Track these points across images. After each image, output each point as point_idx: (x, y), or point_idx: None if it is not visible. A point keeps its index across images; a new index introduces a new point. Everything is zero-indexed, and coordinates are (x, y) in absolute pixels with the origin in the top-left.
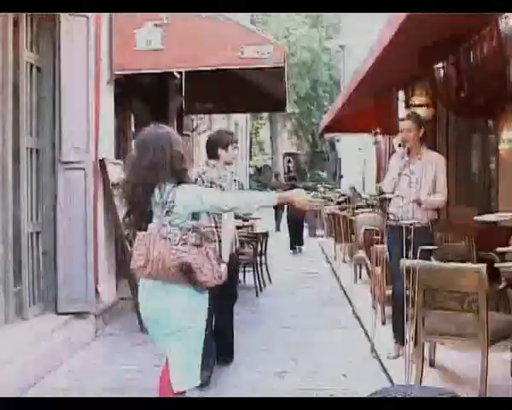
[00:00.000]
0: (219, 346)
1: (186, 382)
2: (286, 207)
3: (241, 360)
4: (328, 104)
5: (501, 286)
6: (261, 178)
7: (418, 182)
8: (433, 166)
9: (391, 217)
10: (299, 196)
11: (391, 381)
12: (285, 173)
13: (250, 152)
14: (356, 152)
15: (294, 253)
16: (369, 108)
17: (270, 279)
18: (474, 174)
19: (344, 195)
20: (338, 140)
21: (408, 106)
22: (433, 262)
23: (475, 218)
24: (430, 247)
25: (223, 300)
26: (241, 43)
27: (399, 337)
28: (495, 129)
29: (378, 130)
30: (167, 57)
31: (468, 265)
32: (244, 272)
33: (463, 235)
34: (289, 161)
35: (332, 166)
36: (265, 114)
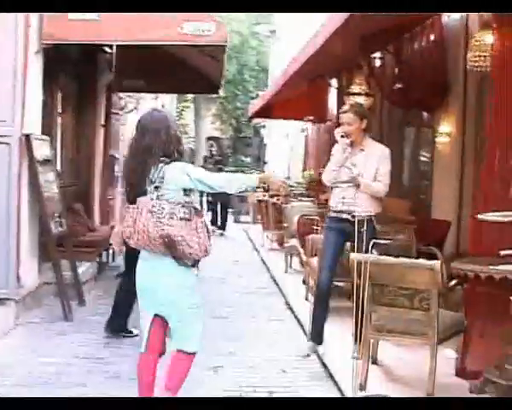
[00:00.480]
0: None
1: (195, 346)
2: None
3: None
4: (255, 89)
5: (452, 283)
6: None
7: (360, 175)
8: (376, 158)
9: (331, 209)
10: (275, 178)
11: (331, 376)
12: (208, 157)
13: None
14: (282, 139)
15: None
16: (302, 96)
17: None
18: (407, 167)
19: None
20: (264, 126)
21: (347, 94)
22: (385, 257)
23: (479, 216)
24: (382, 241)
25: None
26: (182, 18)
27: (317, 336)
28: (431, 122)
29: (310, 117)
30: (102, 29)
31: (422, 261)
32: None
33: (403, 228)
34: (212, 145)
35: (255, 151)
36: (190, 97)
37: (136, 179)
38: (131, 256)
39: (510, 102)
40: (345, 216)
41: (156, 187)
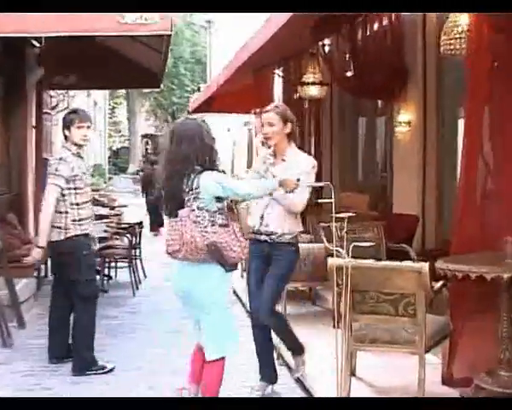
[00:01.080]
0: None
1: (217, 351)
2: (145, 191)
3: (123, 373)
4: (191, 83)
5: (438, 285)
6: (118, 162)
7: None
8: (297, 170)
9: (250, 229)
10: (291, 180)
11: (306, 390)
12: (143, 156)
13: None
14: (224, 133)
15: (156, 235)
16: (246, 88)
17: (144, 274)
18: (362, 160)
19: None
20: (203, 121)
21: (300, 84)
22: (368, 261)
23: None
24: (362, 243)
25: (82, 298)
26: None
27: (267, 374)
28: (389, 111)
29: (257, 110)
30: (29, 21)
31: (408, 263)
32: (116, 268)
33: (370, 225)
34: (147, 143)
35: None
36: (122, 92)
37: (174, 190)
38: (60, 275)
39: (485, 87)
40: (263, 238)
41: (195, 197)
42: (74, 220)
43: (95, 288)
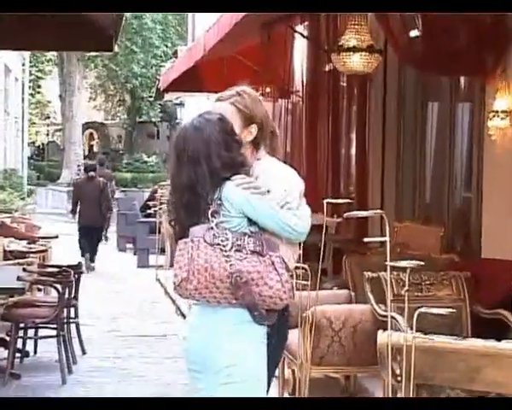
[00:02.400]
0: None
1: None
2: (78, 210)
3: None
4: (161, 43)
5: None
6: (44, 165)
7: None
8: (265, 182)
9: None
10: None
11: None
12: (85, 157)
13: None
14: None
15: (86, 266)
16: (250, 54)
17: (83, 348)
18: (433, 169)
19: None
20: (182, 104)
21: (336, 49)
22: (446, 338)
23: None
24: (435, 310)
25: None
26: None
27: None
28: (477, 95)
29: (266, 89)
30: None
31: None
32: (36, 338)
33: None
34: (92, 136)
35: (165, 146)
36: (52, 55)
37: (188, 204)
38: None
39: None
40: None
41: (215, 211)
42: None
43: None
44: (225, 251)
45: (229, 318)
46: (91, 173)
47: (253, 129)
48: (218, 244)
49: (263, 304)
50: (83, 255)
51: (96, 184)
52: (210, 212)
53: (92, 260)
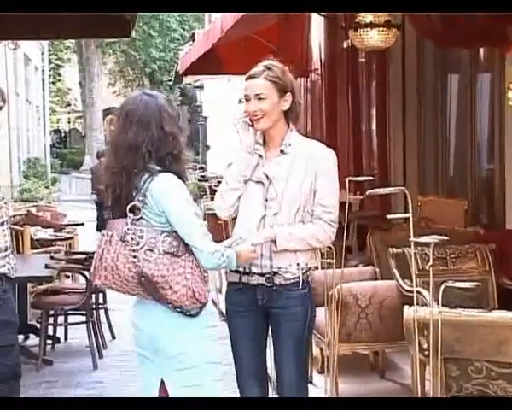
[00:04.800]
0: None
1: None
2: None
3: None
4: (179, 26)
5: None
6: (67, 153)
7: (278, 195)
8: (308, 166)
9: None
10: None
11: None
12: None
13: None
14: (233, 107)
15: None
16: (267, 34)
17: (112, 333)
18: (455, 143)
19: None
20: (201, 87)
21: (354, 26)
22: (472, 311)
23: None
24: (461, 284)
25: None
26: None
27: None
28: (498, 65)
29: (286, 68)
30: None
31: None
32: (66, 325)
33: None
34: (113, 122)
35: (186, 130)
36: (70, 43)
37: (120, 191)
38: None
39: None
40: (256, 280)
41: (135, 207)
42: None
43: (13, 361)
44: (133, 250)
45: (165, 309)
46: (101, 158)
47: (288, 97)
48: (128, 242)
49: (170, 306)
50: (99, 230)
51: None
52: (129, 207)
53: None
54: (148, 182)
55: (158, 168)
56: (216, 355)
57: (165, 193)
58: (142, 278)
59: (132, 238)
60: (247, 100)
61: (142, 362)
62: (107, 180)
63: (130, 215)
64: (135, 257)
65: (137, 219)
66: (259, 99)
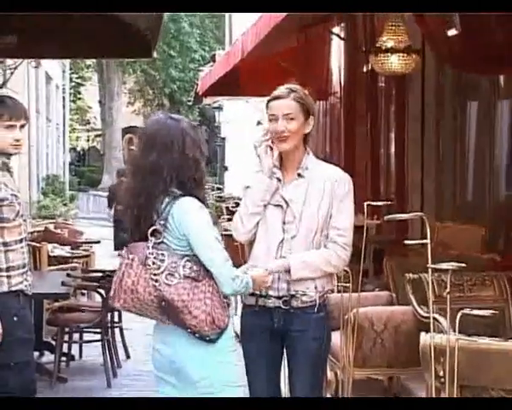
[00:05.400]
0: None
1: None
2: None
3: None
4: (201, 48)
5: None
6: (86, 170)
7: (296, 218)
8: (325, 189)
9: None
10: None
11: None
12: (125, 161)
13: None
14: (251, 128)
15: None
16: (287, 57)
17: (127, 352)
18: (475, 169)
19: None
20: (220, 108)
21: (374, 51)
22: (483, 339)
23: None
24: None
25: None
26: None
27: None
28: None
29: (306, 91)
30: None
31: None
32: (81, 342)
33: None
34: (131, 141)
35: (208, 151)
36: (92, 62)
37: (141, 214)
38: None
39: None
40: (273, 303)
41: (156, 231)
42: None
43: (28, 378)
44: (154, 275)
45: (186, 334)
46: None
47: (311, 120)
48: (150, 266)
49: (189, 331)
50: (116, 249)
51: None
52: (150, 231)
53: None
54: (170, 206)
55: (179, 192)
56: (237, 380)
57: (186, 217)
58: (163, 303)
59: (153, 262)
60: (274, 120)
61: (160, 385)
62: (128, 202)
63: (152, 239)
64: (156, 281)
65: (158, 243)
66: (288, 119)
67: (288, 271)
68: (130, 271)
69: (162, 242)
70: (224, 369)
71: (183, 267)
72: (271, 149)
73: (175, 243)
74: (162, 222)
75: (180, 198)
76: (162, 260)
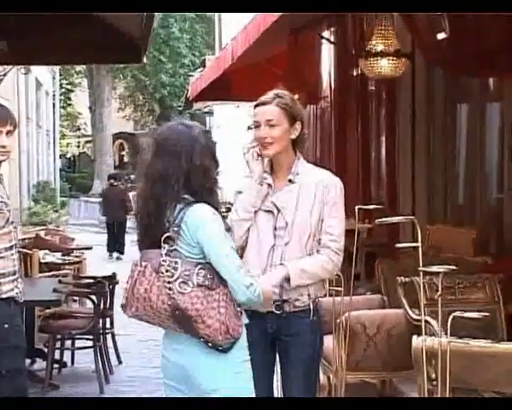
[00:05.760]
0: None
1: None
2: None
3: None
4: (189, 52)
5: None
6: (76, 177)
7: (288, 225)
8: (316, 194)
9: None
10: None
11: None
12: (116, 167)
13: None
14: (242, 133)
15: (110, 258)
16: (277, 60)
17: (119, 359)
18: (465, 172)
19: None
20: (211, 113)
21: (364, 54)
22: (475, 341)
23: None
24: (472, 314)
25: None
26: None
27: None
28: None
29: (296, 95)
30: None
31: None
32: (73, 349)
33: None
34: (122, 147)
35: None
36: (82, 68)
37: (151, 218)
38: None
39: None
40: (266, 308)
41: (169, 238)
42: None
43: (20, 385)
44: (168, 282)
45: (199, 343)
46: (111, 181)
47: (298, 126)
48: (163, 274)
49: (202, 340)
50: (109, 251)
51: (117, 189)
52: (163, 238)
53: (121, 251)
54: (183, 213)
55: (192, 199)
56: (250, 390)
57: (200, 224)
58: (177, 312)
59: (167, 270)
60: (258, 126)
61: (170, 393)
62: (138, 207)
63: (165, 246)
64: (170, 289)
65: (171, 251)
66: (270, 125)
67: (287, 279)
68: (142, 278)
69: (175, 249)
70: (236, 380)
71: (197, 275)
72: (259, 155)
73: (188, 250)
74: (176, 229)
75: (193, 205)
76: (175, 268)
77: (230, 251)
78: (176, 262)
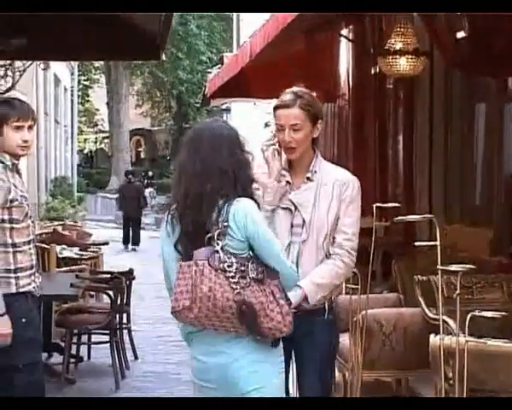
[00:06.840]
0: None
1: None
2: (122, 202)
3: None
4: (208, 49)
5: None
6: (94, 172)
7: (306, 222)
8: (333, 193)
9: None
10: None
11: None
12: (133, 163)
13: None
14: (258, 130)
15: (126, 250)
16: (296, 59)
17: (135, 354)
18: (480, 171)
19: None
20: (228, 110)
21: (382, 53)
22: (493, 341)
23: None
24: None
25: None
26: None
27: None
28: None
29: (314, 93)
30: None
31: None
32: (89, 344)
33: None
34: (139, 143)
35: None
36: (99, 64)
37: (199, 219)
38: None
39: None
40: None
41: (221, 233)
42: (8, 271)
43: (37, 379)
44: (231, 277)
45: (241, 345)
46: (129, 177)
47: (319, 125)
48: (224, 270)
49: (263, 332)
50: (124, 243)
51: (134, 186)
52: (216, 233)
53: (137, 243)
54: (231, 208)
55: (234, 194)
56: (283, 386)
57: (249, 219)
58: (244, 307)
59: (226, 267)
60: (281, 129)
61: (203, 393)
62: (182, 209)
63: (219, 242)
64: (235, 284)
65: (222, 247)
66: (295, 130)
67: (305, 299)
68: (202, 278)
69: (226, 245)
70: (277, 380)
71: (251, 270)
72: (279, 152)
73: (234, 245)
74: (225, 224)
75: (239, 200)
76: (230, 264)
77: (276, 239)
78: (229, 258)
